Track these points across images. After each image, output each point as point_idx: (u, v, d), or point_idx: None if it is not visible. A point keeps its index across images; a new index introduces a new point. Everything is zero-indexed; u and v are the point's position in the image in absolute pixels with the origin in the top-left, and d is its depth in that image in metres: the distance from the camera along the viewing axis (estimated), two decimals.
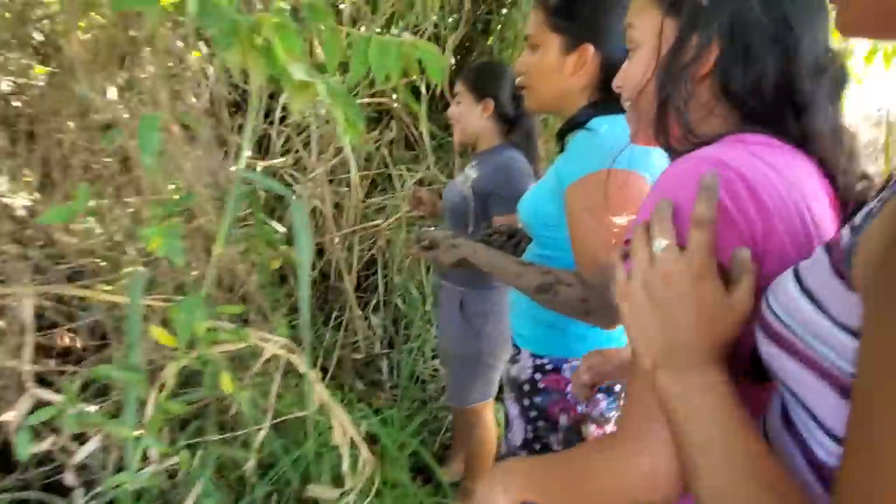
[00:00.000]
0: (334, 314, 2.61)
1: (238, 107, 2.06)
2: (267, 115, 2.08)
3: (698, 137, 0.56)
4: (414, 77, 0.70)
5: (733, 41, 0.55)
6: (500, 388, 2.28)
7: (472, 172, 1.56)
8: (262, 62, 0.56)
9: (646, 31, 0.61)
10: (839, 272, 0.38)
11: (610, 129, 0.92)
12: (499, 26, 2.36)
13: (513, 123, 1.56)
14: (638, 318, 0.48)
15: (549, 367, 1.08)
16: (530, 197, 1.10)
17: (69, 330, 1.42)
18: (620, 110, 0.71)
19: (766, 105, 0.55)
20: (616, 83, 0.68)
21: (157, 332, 0.64)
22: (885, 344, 0.31)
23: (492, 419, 1.76)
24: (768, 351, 0.43)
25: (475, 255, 1.06)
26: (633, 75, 0.63)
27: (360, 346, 2.51)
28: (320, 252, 2.54)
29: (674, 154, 0.61)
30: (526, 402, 1.10)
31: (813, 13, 0.55)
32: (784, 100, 0.55)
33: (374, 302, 2.65)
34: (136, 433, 0.68)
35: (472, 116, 1.55)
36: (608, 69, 0.98)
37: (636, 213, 0.78)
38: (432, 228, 1.21)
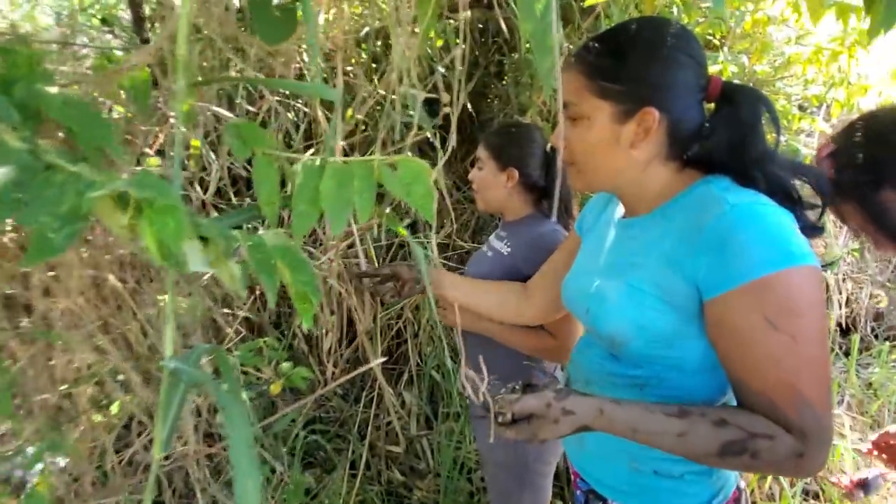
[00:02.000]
0: (364, 392, 2.40)
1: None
2: (283, 184, 1.93)
3: None
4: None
5: None
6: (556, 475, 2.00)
7: (499, 245, 1.33)
8: (151, 244, 0.35)
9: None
10: None
11: (762, 211, 0.67)
12: (513, 69, 2.17)
13: (543, 189, 1.32)
14: None
15: None
16: (626, 306, 0.77)
17: None
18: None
19: None
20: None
21: None
22: None
23: None
24: None
25: (603, 419, 0.71)
26: None
27: (394, 426, 2.28)
28: (350, 323, 2.35)
29: None
30: None
31: None
32: None
33: (405, 376, 2.42)
34: None
35: (495, 186, 1.32)
36: (678, 133, 0.75)
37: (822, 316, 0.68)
38: (514, 392, 0.73)
